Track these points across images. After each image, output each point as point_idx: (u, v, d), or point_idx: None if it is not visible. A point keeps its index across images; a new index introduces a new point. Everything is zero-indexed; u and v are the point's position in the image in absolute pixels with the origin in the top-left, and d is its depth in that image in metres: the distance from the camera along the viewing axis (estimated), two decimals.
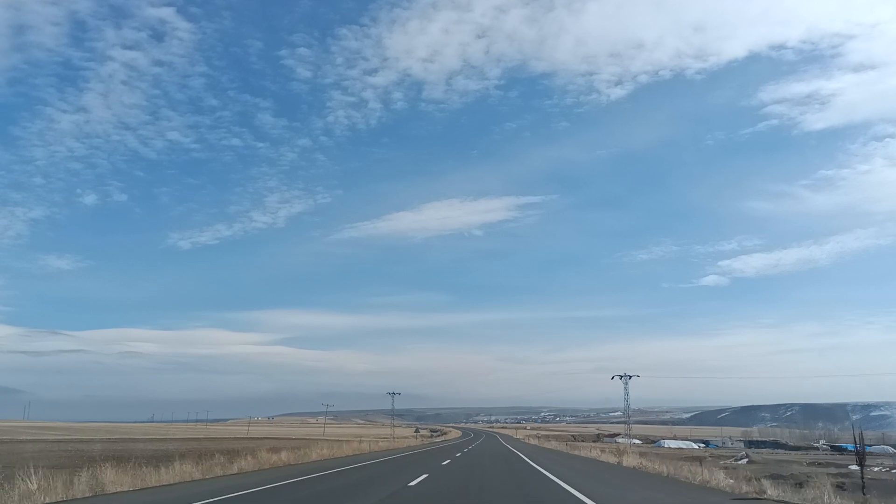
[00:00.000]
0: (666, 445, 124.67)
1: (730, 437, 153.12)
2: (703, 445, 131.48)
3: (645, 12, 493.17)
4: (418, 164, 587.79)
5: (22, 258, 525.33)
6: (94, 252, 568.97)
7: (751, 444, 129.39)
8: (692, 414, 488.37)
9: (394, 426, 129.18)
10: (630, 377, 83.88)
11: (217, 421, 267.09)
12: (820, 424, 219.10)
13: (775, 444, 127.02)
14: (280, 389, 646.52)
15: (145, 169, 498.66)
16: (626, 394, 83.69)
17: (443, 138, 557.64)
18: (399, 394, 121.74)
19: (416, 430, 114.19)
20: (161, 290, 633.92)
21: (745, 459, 72.76)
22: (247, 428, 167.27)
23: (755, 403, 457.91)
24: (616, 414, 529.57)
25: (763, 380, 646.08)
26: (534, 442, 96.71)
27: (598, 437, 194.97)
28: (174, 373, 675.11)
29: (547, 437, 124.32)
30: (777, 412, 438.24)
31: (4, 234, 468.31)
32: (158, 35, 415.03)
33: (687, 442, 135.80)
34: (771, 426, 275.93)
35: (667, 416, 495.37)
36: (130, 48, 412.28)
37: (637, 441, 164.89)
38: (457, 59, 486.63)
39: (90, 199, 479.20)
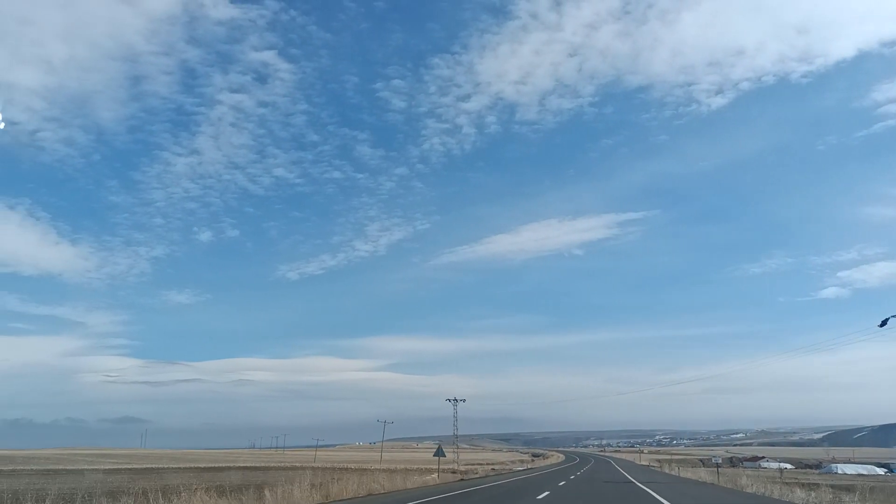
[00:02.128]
0: (839, 471, 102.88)
1: None
2: (885, 471, 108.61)
3: (743, 18, 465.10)
4: (514, 186, 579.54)
5: (146, 294, 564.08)
6: (211, 286, 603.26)
7: None
8: (824, 434, 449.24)
9: (458, 449, 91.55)
10: None
11: (318, 447, 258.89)
12: None
13: None
14: (386, 415, 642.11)
15: (254, 205, 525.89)
16: None
17: (538, 159, 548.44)
18: (464, 400, 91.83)
19: (438, 451, 56.19)
20: (272, 319, 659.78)
21: None
22: (314, 453, 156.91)
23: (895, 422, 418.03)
24: (738, 436, 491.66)
25: None
26: (716, 482, 48.48)
27: (731, 462, 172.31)
28: (284, 400, 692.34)
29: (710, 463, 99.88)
30: None
31: (130, 272, 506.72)
32: (262, 77, 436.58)
33: (868, 467, 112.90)
34: None
35: (795, 438, 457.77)
36: (237, 91, 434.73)
37: (789, 466, 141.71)
38: (549, 79, 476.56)
39: (206, 236, 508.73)
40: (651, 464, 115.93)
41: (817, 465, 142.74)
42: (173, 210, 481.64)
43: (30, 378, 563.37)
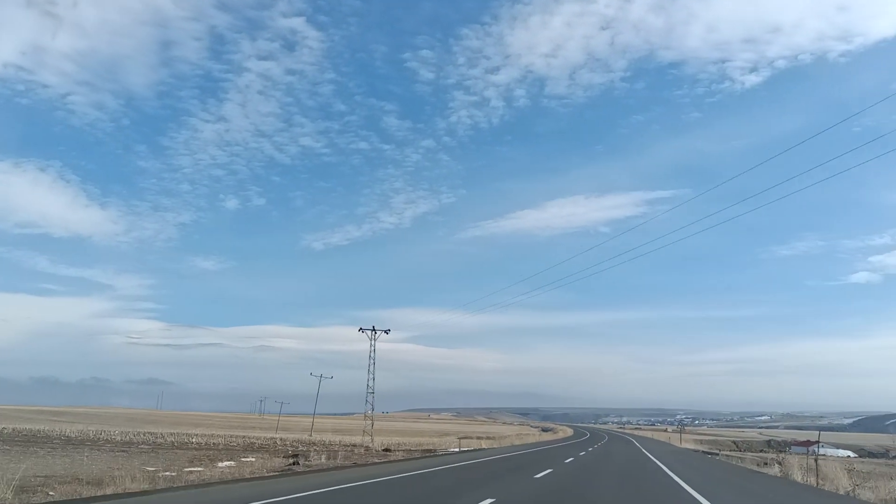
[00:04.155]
0: None
1: None
2: None
3: None
4: (542, 162, 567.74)
5: (173, 259, 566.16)
6: (236, 253, 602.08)
7: None
8: (854, 419, 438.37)
9: (371, 416, 61.71)
10: None
11: (320, 415, 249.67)
12: None
13: None
14: (406, 386, 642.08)
15: (281, 174, 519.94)
16: None
17: (567, 134, 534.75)
18: (387, 331, 64.66)
19: None
20: (296, 288, 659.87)
21: None
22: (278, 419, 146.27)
23: None
24: (763, 418, 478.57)
25: None
26: None
27: (770, 445, 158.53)
28: (305, 367, 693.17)
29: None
30: None
31: (157, 237, 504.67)
32: (290, 45, 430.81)
33: None
34: None
35: (823, 422, 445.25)
36: (265, 59, 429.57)
37: (850, 454, 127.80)
38: (580, 52, 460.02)
39: (232, 203, 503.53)
40: (709, 451, 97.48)
41: (884, 454, 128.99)
42: (200, 177, 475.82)
43: (57, 337, 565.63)
